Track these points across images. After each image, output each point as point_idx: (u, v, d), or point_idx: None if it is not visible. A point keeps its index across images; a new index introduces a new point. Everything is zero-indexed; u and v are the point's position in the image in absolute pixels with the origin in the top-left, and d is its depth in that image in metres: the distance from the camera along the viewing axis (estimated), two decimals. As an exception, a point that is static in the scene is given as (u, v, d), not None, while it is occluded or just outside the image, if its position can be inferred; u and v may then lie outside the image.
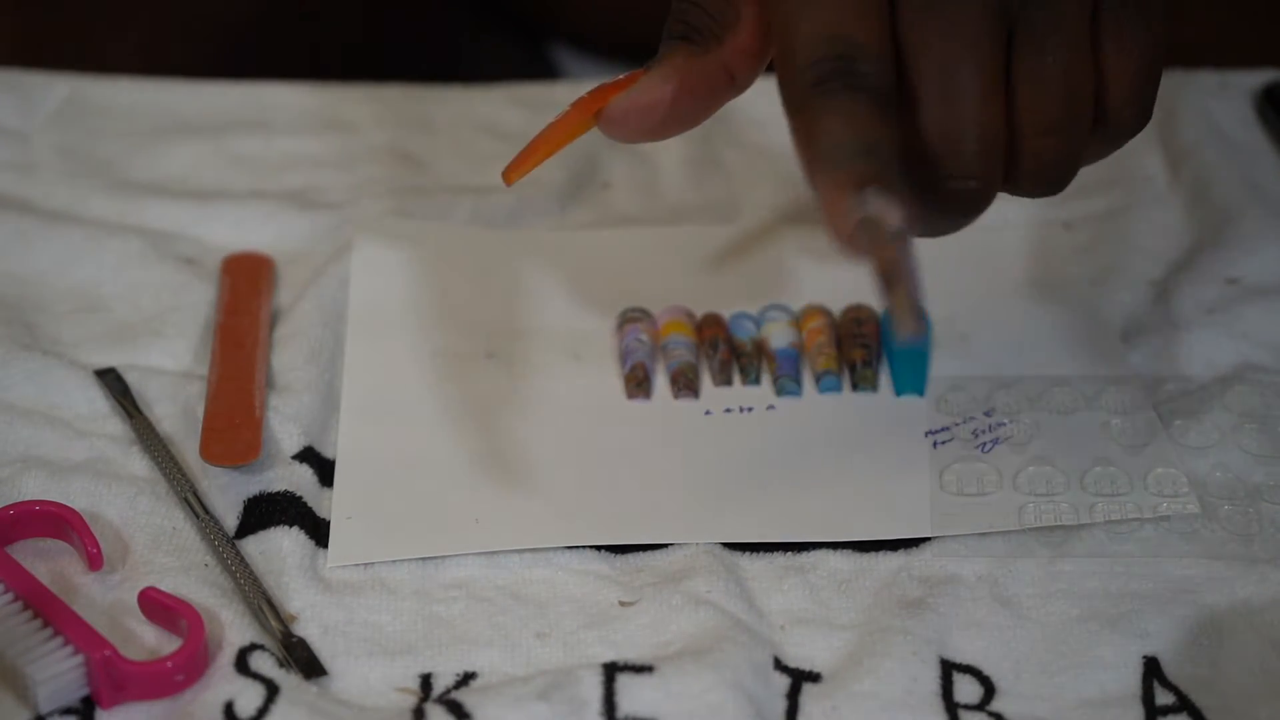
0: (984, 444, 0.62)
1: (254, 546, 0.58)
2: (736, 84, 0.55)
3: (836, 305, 0.67)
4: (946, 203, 0.52)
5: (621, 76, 0.55)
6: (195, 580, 0.56)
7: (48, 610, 0.54)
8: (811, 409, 0.64)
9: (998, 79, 0.52)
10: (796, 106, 0.51)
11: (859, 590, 0.57)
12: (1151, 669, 0.55)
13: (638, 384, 0.64)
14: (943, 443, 0.62)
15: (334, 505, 0.60)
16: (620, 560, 0.58)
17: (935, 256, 0.70)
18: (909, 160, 0.51)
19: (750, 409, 0.64)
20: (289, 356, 0.65)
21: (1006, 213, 0.73)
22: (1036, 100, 0.52)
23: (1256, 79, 0.79)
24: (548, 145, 0.56)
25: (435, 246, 0.71)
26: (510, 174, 0.56)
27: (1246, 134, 0.77)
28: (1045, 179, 0.53)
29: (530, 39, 0.94)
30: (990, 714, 0.54)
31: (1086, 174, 0.75)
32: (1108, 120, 0.53)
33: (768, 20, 0.54)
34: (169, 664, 0.53)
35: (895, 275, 0.50)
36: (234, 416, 0.61)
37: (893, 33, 0.51)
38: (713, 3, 0.54)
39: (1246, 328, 0.66)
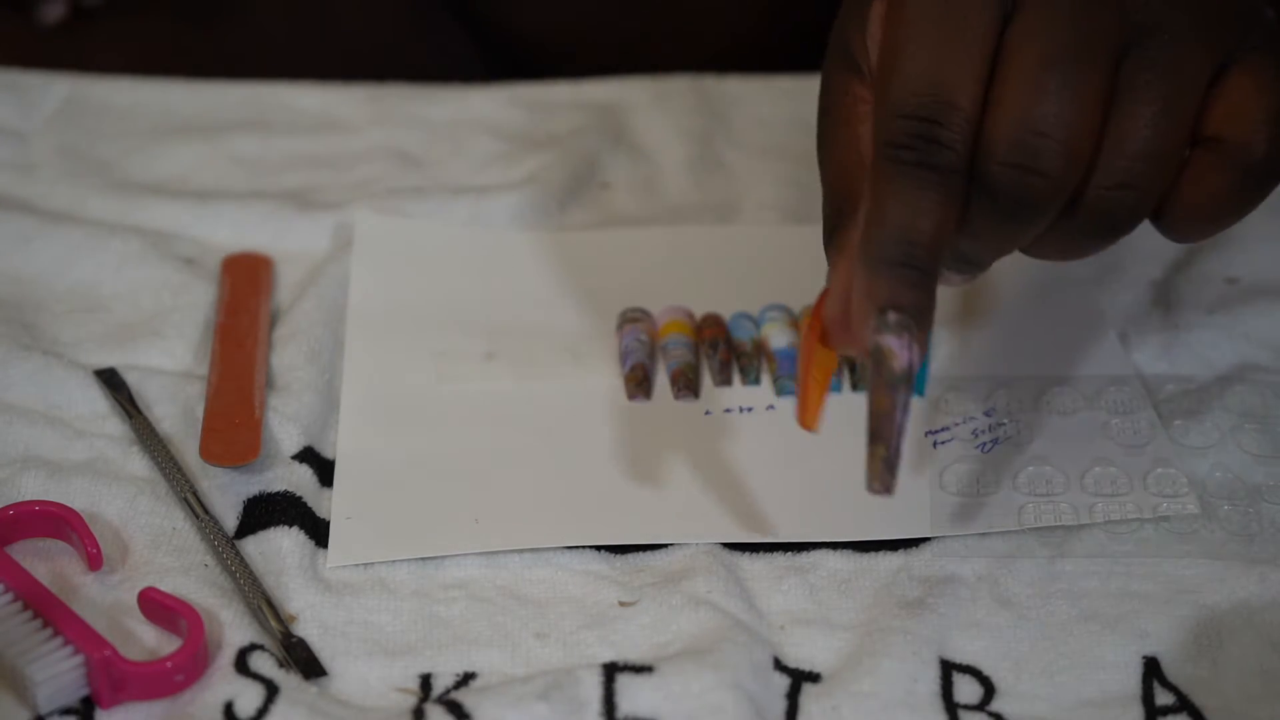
0: (984, 444, 0.62)
1: (254, 546, 0.58)
2: None
3: (836, 305, 0.67)
4: (999, 209, 0.51)
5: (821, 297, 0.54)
6: (195, 580, 0.56)
7: (48, 610, 0.54)
8: (811, 409, 0.64)
9: (1101, 87, 0.50)
10: (874, 165, 0.51)
11: (859, 590, 0.57)
12: (1151, 669, 0.55)
13: (638, 384, 0.64)
14: (943, 443, 0.62)
15: (334, 505, 0.60)
16: (620, 560, 0.58)
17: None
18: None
19: (750, 409, 0.64)
20: (289, 356, 0.65)
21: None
22: (1130, 126, 0.51)
23: (1256, 79, 0.79)
24: (819, 386, 0.55)
25: (435, 246, 0.71)
26: (811, 421, 0.55)
27: (1246, 134, 0.77)
28: (1108, 216, 0.52)
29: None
30: (990, 714, 0.54)
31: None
32: (1242, 158, 0.52)
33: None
34: (169, 664, 0.53)
35: (881, 428, 0.51)
36: (234, 416, 0.61)
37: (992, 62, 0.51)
38: (842, 179, 0.54)
39: (1246, 328, 0.66)
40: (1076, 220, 0.52)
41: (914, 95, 0.50)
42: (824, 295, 0.54)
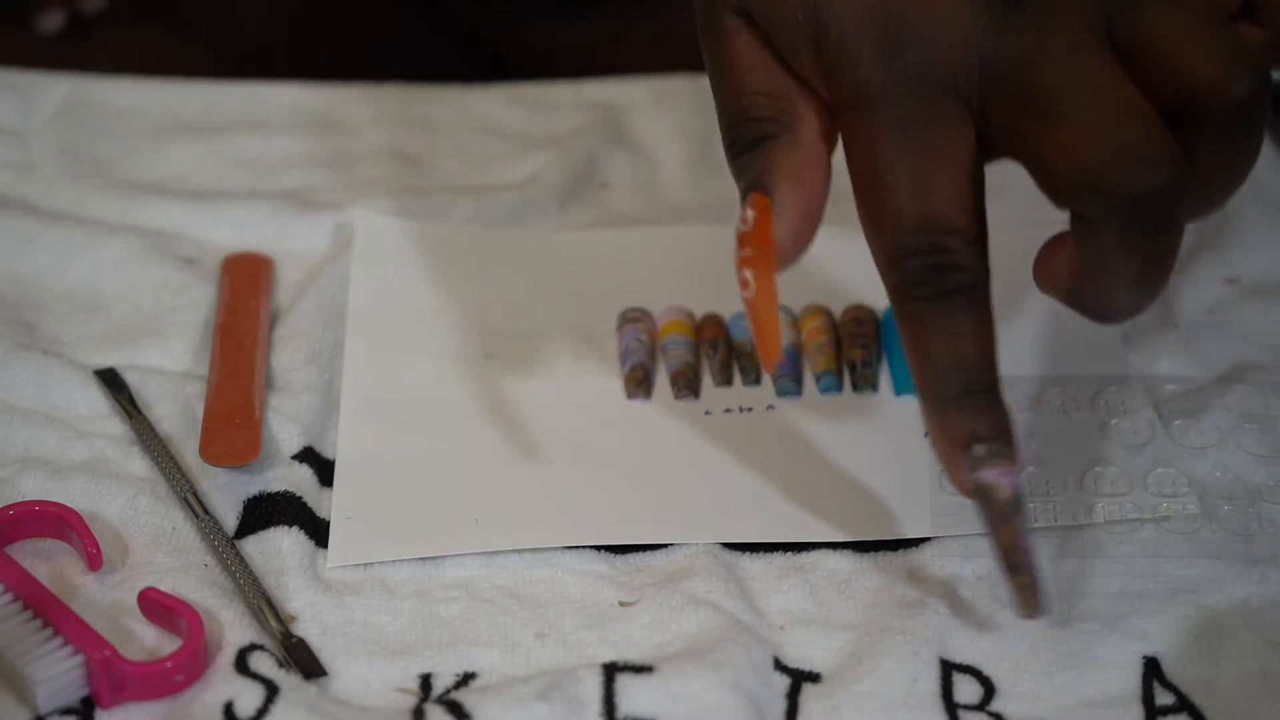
0: (984, 444, 0.62)
1: (254, 546, 0.58)
2: (832, 147, 0.54)
3: (836, 305, 0.67)
4: (1130, 239, 0.48)
5: (748, 217, 0.52)
6: (195, 580, 0.56)
7: (48, 610, 0.54)
8: (811, 409, 0.64)
9: (1119, 67, 0.49)
10: (897, 307, 0.51)
11: (859, 590, 0.57)
12: (1151, 669, 0.55)
13: (638, 384, 0.64)
14: (943, 443, 0.62)
15: (334, 505, 0.60)
16: (620, 560, 0.58)
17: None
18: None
19: (750, 409, 0.64)
20: (289, 356, 0.65)
21: (1006, 214, 0.73)
22: (1173, 48, 0.48)
23: (1256, 79, 0.79)
24: (771, 315, 0.52)
25: (435, 246, 0.71)
26: (773, 362, 0.53)
27: (1246, 134, 0.77)
28: (1231, 140, 0.49)
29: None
30: (990, 714, 0.54)
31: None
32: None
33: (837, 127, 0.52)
34: (169, 664, 0.53)
35: (1015, 560, 0.51)
36: (234, 416, 0.61)
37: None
38: (770, 85, 0.53)
39: (1246, 328, 0.66)
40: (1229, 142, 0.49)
41: (909, 234, 0.50)
42: (764, 223, 0.51)
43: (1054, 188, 0.49)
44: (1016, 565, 0.52)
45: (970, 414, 0.51)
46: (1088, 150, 0.48)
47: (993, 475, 0.51)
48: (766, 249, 0.52)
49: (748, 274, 0.52)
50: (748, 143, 0.53)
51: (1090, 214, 0.49)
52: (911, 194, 0.50)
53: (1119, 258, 0.49)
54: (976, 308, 0.51)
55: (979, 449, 0.51)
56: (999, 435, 0.51)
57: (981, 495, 0.51)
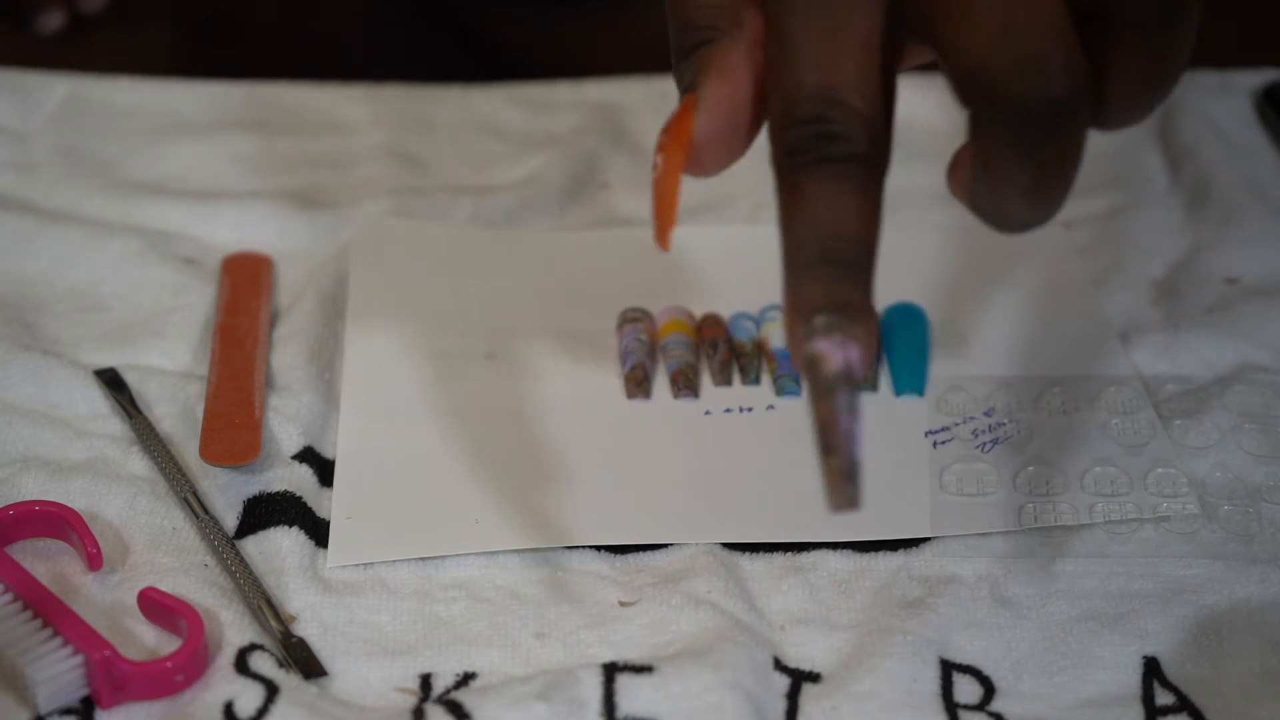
0: (984, 444, 0.62)
1: (254, 546, 0.58)
2: None
3: (836, 305, 0.67)
4: (1021, 148, 0.46)
5: (675, 113, 0.51)
6: (195, 580, 0.56)
7: (48, 610, 0.54)
8: (811, 409, 0.64)
9: None
10: (776, 179, 0.48)
11: (859, 590, 0.57)
12: (1151, 669, 0.55)
13: (638, 384, 0.64)
14: (943, 443, 0.62)
15: (334, 505, 0.60)
16: (620, 560, 0.58)
17: (936, 256, 0.71)
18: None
19: (750, 409, 0.64)
20: (289, 356, 0.65)
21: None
22: None
23: (1256, 79, 0.79)
24: (670, 197, 0.50)
25: (435, 246, 0.71)
26: (665, 240, 0.50)
27: (1246, 134, 0.77)
28: (1143, 74, 0.47)
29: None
30: (990, 714, 0.54)
31: (1086, 174, 0.75)
32: None
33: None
34: (169, 664, 0.53)
35: (828, 438, 0.47)
36: (234, 416, 0.61)
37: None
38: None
39: (1246, 328, 0.66)
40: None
41: (798, 105, 0.47)
42: (685, 113, 0.50)
43: (952, 83, 0.47)
44: (829, 445, 0.47)
45: (821, 284, 0.47)
46: (985, 51, 0.45)
47: (824, 346, 0.46)
48: (682, 138, 0.50)
49: (658, 158, 0.50)
50: (686, 50, 0.51)
51: (982, 117, 0.46)
52: (806, 68, 0.47)
53: (1011, 166, 0.46)
54: (856, 182, 0.47)
55: (819, 319, 0.46)
56: (846, 309, 0.47)
57: (809, 367, 0.47)
